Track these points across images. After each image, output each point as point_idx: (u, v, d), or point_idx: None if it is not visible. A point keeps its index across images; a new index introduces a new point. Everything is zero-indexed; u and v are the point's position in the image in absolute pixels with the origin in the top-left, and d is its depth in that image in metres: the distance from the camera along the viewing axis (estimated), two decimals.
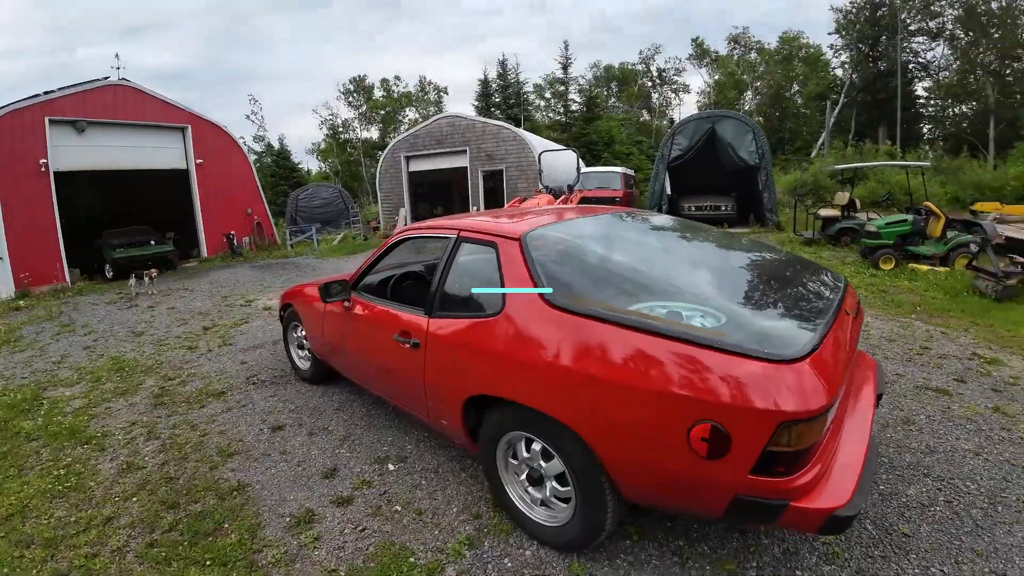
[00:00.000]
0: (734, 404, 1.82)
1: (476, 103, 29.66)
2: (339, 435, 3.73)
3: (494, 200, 17.72)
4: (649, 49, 48.66)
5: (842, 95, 35.65)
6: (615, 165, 21.48)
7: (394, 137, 46.65)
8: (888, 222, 9.77)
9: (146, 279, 9.63)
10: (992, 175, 21.91)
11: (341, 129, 43.65)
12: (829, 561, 2.37)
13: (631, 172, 19.87)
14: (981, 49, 32.65)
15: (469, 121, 16.77)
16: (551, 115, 38.02)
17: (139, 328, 7.03)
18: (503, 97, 28.40)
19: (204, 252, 13.84)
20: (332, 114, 47.45)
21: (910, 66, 35.83)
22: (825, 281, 2.80)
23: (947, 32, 34.38)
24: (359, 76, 43.95)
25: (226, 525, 2.79)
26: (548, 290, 2.37)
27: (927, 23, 35.14)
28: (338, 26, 79.45)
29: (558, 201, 11.81)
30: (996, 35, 31.78)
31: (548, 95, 40.60)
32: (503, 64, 30.09)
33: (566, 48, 34.51)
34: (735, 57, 41.72)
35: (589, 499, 2.30)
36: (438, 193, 20.09)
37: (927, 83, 36.46)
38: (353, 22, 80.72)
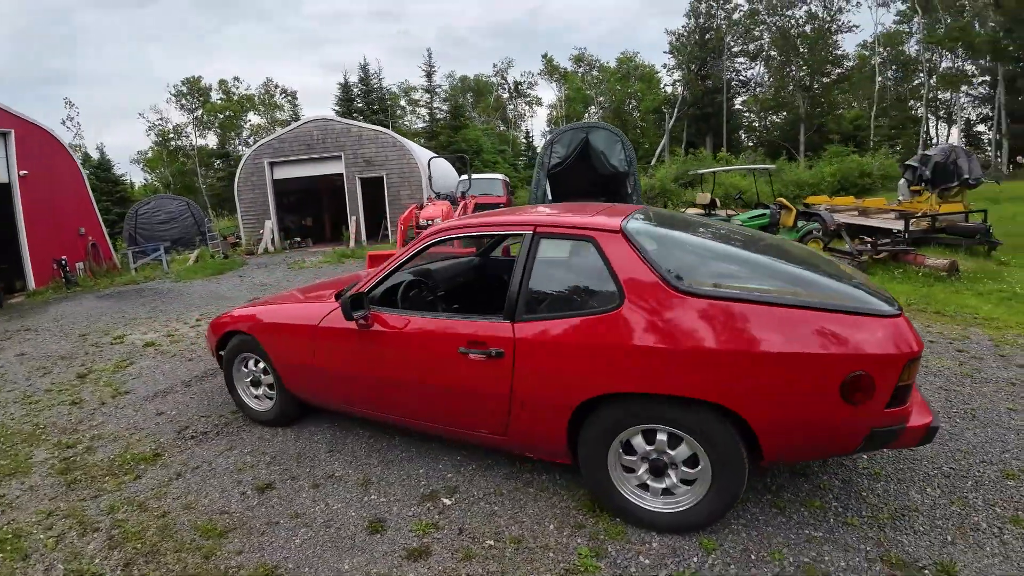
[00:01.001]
0: (876, 353, 2.15)
1: (337, 108, 27.98)
2: (355, 480, 3.17)
3: (374, 210, 16.80)
4: (503, 62, 49.99)
5: (675, 109, 39.59)
6: (484, 173, 21.65)
7: (237, 143, 43.21)
8: (750, 216, 11.17)
9: None
10: (810, 174, 25.67)
11: (172, 135, 38.77)
12: (874, 480, 2.94)
13: (507, 179, 20.20)
14: (792, 67, 38.31)
15: (344, 125, 15.69)
16: (413, 122, 37.42)
17: None
18: (366, 102, 27.14)
19: (32, 284, 11.15)
20: (162, 118, 42.09)
21: (732, 83, 40.87)
22: (833, 261, 3.09)
23: (764, 53, 39.78)
24: (193, 77, 39.42)
25: None
26: (671, 278, 2.41)
27: (747, 46, 40.41)
28: (167, 25, 71.08)
29: (459, 208, 11.51)
30: (805, 54, 37.40)
31: (403, 103, 39.95)
32: (365, 68, 28.85)
33: (429, 56, 34.02)
34: (579, 74, 44.33)
35: (728, 472, 2.41)
36: (308, 202, 18.52)
37: (744, 97, 41.94)
38: (184, 21, 72.69)
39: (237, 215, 16.92)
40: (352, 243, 15.39)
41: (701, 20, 40.34)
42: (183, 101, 39.47)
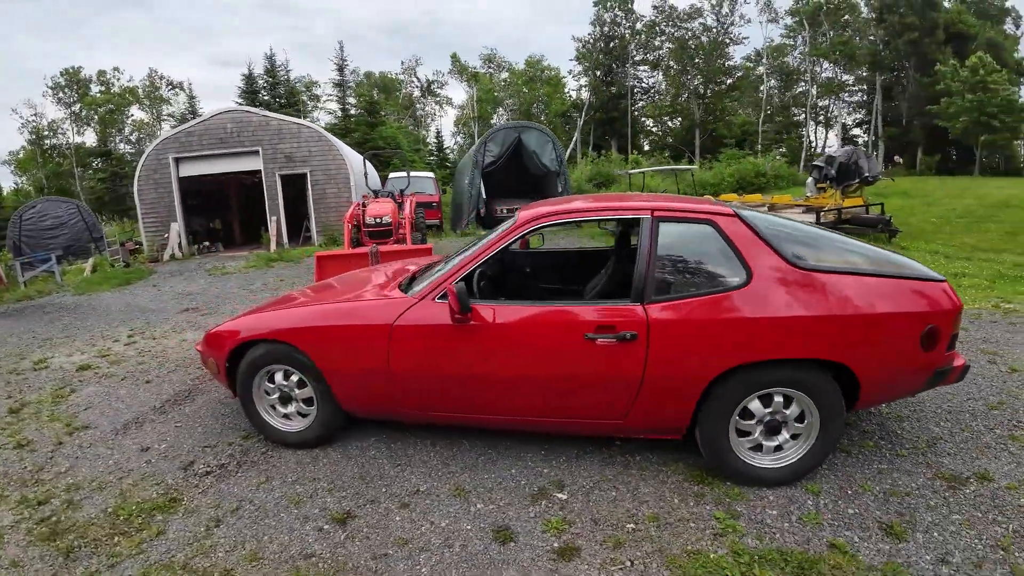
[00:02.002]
0: (941, 309, 2.71)
1: (240, 100, 25.63)
2: (447, 491, 2.91)
3: (296, 208, 15.59)
4: (411, 60, 48.77)
5: (583, 113, 40.66)
6: (403, 171, 20.91)
7: (118, 140, 38.54)
8: None
9: None
10: (711, 174, 27.35)
11: (47, 132, 33.99)
12: (900, 422, 3.55)
13: (434, 177, 19.69)
14: (688, 76, 40.63)
15: (262, 117, 14.37)
16: (321, 118, 35.36)
17: None
18: (272, 96, 25.21)
19: None
20: (36, 114, 36.61)
21: (635, 90, 42.66)
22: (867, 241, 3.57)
23: (663, 62, 41.89)
24: (73, 68, 34.81)
25: None
26: (788, 255, 2.73)
27: (648, 55, 42.33)
28: (35, 14, 62.29)
29: (408, 206, 10.88)
30: (700, 64, 39.72)
31: (305, 98, 37.59)
32: (271, 59, 26.77)
33: (341, 49, 32.13)
34: (488, 75, 44.29)
35: (833, 424, 2.77)
36: (216, 203, 16.79)
37: (643, 103, 43.91)
38: (55, 8, 64.01)
39: (137, 218, 14.98)
40: (273, 246, 14.13)
41: (606, 29, 41.81)
42: (60, 94, 34.70)
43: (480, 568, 2.35)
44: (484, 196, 16.81)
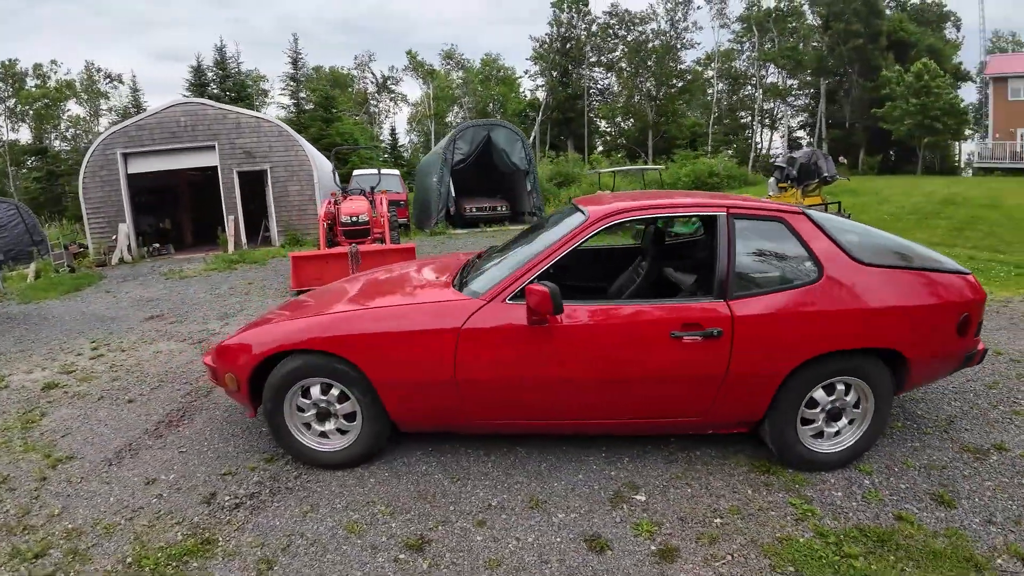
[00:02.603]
0: (972, 299, 2.99)
1: (187, 94, 24.04)
2: (522, 503, 2.79)
3: (253, 207, 14.75)
4: (364, 55, 47.36)
5: (540, 113, 40.63)
6: (363, 168, 20.27)
7: (52, 135, 35.64)
8: None
9: None
10: (667, 174, 27.86)
11: None
12: (916, 403, 3.51)
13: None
14: (641, 78, 41.18)
15: (218, 110, 13.50)
16: (273, 113, 33.73)
17: None
18: (222, 89, 23.86)
19: None
20: None
21: (591, 91, 42.96)
22: None
23: (618, 65, 42.35)
24: (9, 60, 32.09)
25: None
26: (854, 252, 2.90)
27: (603, 57, 42.69)
28: None
29: (381, 204, 10.43)
30: (653, 67, 40.32)
31: (250, 92, 35.76)
32: (221, 51, 25.29)
33: (295, 42, 30.83)
34: (445, 72, 43.65)
35: (885, 407, 2.98)
36: (165, 202, 15.70)
37: (599, 103, 44.27)
38: None
39: (82, 218, 13.80)
40: (231, 247, 13.31)
41: (562, 30, 41.91)
42: None
43: None
44: (453, 194, 16.43)
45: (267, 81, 30.16)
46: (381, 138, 40.09)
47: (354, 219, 9.82)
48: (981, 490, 2.82)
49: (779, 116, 45.31)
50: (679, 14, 41.32)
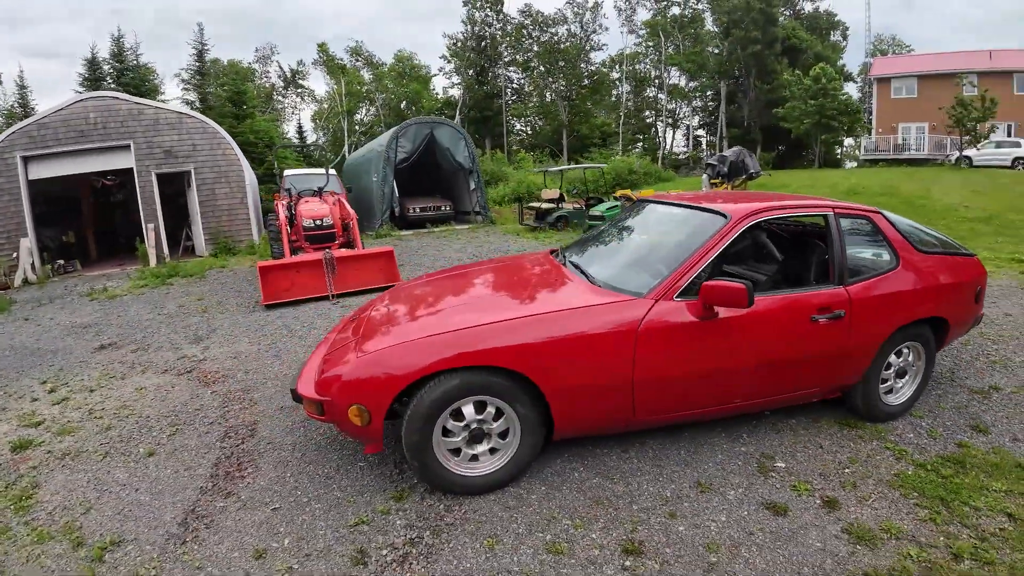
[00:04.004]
0: (982, 274, 3.91)
1: (79, 90, 20.80)
2: (688, 489, 2.95)
3: (173, 213, 13.18)
4: (266, 47, 44.11)
5: (457, 112, 39.96)
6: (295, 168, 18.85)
7: None
8: (607, 208, 12.45)
9: None
10: (590, 172, 28.50)
11: None
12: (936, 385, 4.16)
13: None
14: (553, 78, 41.68)
15: (133, 105, 11.82)
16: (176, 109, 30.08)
17: None
18: (119, 84, 21.02)
19: None
20: None
21: (507, 90, 42.88)
22: None
23: (532, 65, 42.58)
24: None
25: None
26: (916, 243, 3.60)
27: (518, 57, 42.73)
28: None
29: (338, 204, 9.56)
30: (565, 68, 40.92)
31: (150, 86, 31.90)
32: (119, 42, 22.18)
33: (201, 32, 27.65)
34: (355, 68, 41.69)
35: (930, 365, 3.69)
36: (68, 211, 13.56)
37: (513, 101, 44.30)
38: None
39: None
40: (153, 260, 11.74)
41: (477, 28, 41.48)
42: None
43: (792, 540, 2.55)
44: (397, 194, 15.63)
45: (157, 76, 27.16)
46: (288, 136, 37.71)
47: (318, 222, 8.94)
48: (998, 419, 3.63)
49: (681, 116, 47.76)
50: (588, 16, 42.36)
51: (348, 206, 9.63)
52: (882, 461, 3.17)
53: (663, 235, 3.74)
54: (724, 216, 3.23)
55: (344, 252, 8.30)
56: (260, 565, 2.35)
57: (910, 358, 3.59)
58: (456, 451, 2.84)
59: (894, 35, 55.66)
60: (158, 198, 12.24)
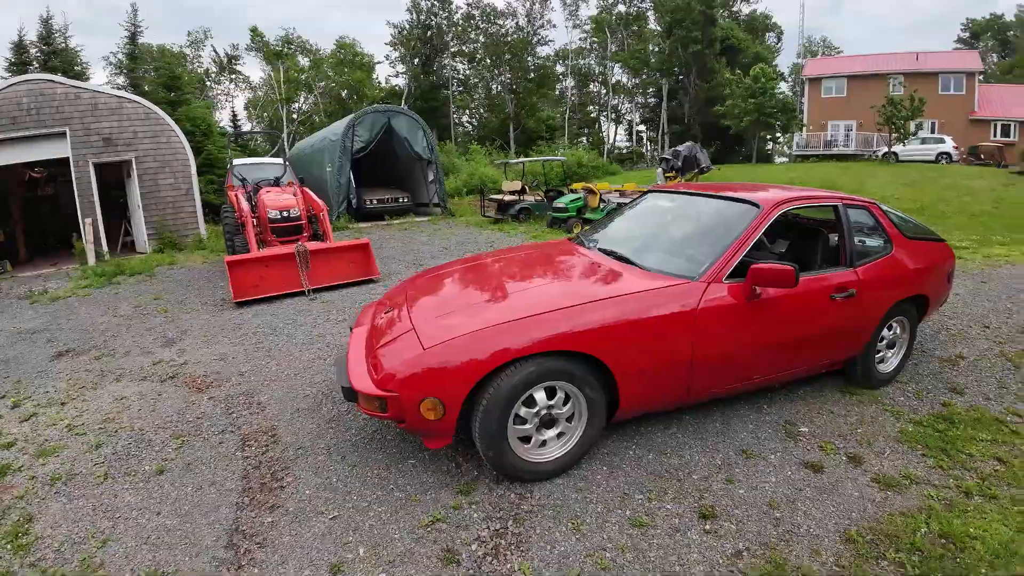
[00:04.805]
0: (952, 257, 4.47)
1: (5, 76, 18.63)
2: (735, 457, 3.21)
3: (108, 206, 12.19)
4: (198, 31, 41.33)
5: (403, 101, 39.01)
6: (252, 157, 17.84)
7: None
8: (571, 200, 12.49)
9: None
10: (539, 164, 28.67)
11: None
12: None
13: None
14: (499, 71, 41.37)
15: (69, 88, 10.75)
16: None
17: None
18: (48, 68, 19.07)
19: None
20: None
21: (453, 81, 42.24)
22: None
23: (479, 56, 42.12)
24: None
25: None
26: (905, 231, 4.07)
27: (464, 48, 42.12)
28: None
29: (300, 194, 9.04)
30: (511, 61, 40.70)
31: (80, 70, 29.24)
32: (47, 23, 20.09)
33: (135, 13, 25.48)
34: (293, 54, 39.83)
35: (913, 337, 4.17)
36: (0, 207, 12.20)
37: (459, 92, 43.75)
38: None
39: None
40: (92, 257, 10.78)
41: (423, 17, 40.56)
42: None
43: (835, 491, 2.87)
44: (353, 184, 15.08)
45: (84, 61, 24.94)
46: (221, 124, 35.71)
47: (285, 214, 8.46)
48: (970, 382, 4.16)
49: (623, 112, 48.61)
50: (536, 9, 42.34)
51: (315, 197, 9.14)
52: (885, 421, 3.59)
53: (697, 223, 3.91)
54: (757, 206, 3.47)
55: (318, 245, 7.89)
56: None
57: (898, 331, 4.05)
58: (526, 438, 2.84)
59: (825, 37, 58.63)
60: (96, 190, 11.26)
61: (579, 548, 2.42)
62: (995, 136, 29.58)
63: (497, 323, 2.74)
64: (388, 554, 2.32)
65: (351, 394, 2.79)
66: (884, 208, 4.07)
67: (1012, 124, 29.70)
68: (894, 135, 25.61)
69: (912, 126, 25.71)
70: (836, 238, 3.89)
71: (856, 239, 3.82)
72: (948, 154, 25.66)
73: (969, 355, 4.65)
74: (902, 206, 15.78)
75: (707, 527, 2.58)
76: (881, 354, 3.99)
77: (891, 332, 3.99)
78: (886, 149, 26.86)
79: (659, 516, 2.66)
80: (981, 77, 32.36)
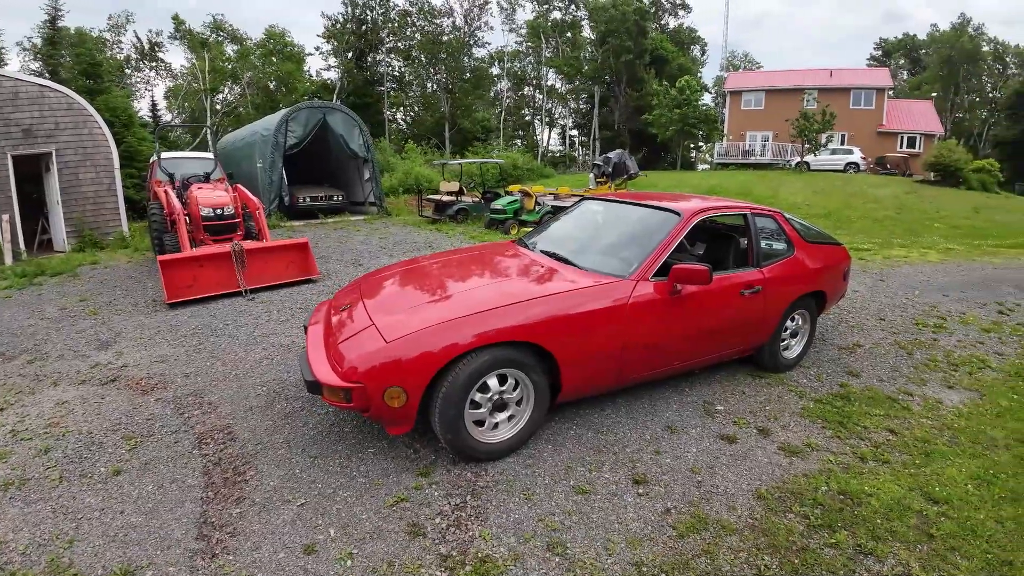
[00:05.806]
0: (848, 258, 5.18)
1: None
2: (661, 432, 3.69)
3: (24, 198, 11.49)
4: (120, 15, 38.56)
5: (335, 96, 38.20)
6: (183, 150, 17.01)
7: None
8: (508, 202, 12.94)
9: None
10: (475, 167, 28.95)
11: None
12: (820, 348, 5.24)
13: None
14: (434, 70, 41.22)
15: None
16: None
17: None
18: None
19: None
20: None
21: (388, 78, 41.67)
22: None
23: (414, 54, 41.70)
24: None
25: None
26: (805, 236, 4.69)
27: (400, 44, 41.59)
28: None
29: (235, 192, 8.94)
30: (447, 60, 40.61)
31: None
32: None
33: None
34: (219, 42, 38.12)
35: (814, 328, 4.84)
36: None
37: (394, 90, 43.27)
38: None
39: None
40: (9, 258, 10.13)
41: (358, 11, 39.87)
42: None
43: (747, 458, 3.36)
44: (286, 181, 14.84)
45: (52, 44, 22.84)
46: (141, 114, 33.77)
47: (218, 212, 8.31)
48: (865, 366, 4.84)
49: (557, 116, 49.71)
50: (474, 11, 42.52)
51: (249, 194, 9.03)
52: (790, 400, 4.17)
53: (627, 228, 4.36)
54: (678, 214, 3.97)
55: (255, 244, 7.83)
56: (316, 559, 2.39)
57: (800, 322, 4.68)
58: (480, 422, 3.13)
59: (747, 52, 61.99)
60: (14, 185, 10.59)
61: (531, 514, 2.78)
62: (901, 147, 32.55)
63: (455, 317, 3.01)
64: (358, 532, 2.57)
65: (315, 387, 2.97)
66: (787, 216, 4.68)
67: (917, 136, 32.79)
68: (806, 146, 27.72)
69: (823, 138, 27.88)
70: (745, 242, 4.39)
71: (763, 243, 4.36)
72: (856, 164, 28.14)
73: (866, 343, 5.35)
74: (812, 212, 17.18)
75: (640, 491, 2.99)
76: (786, 342, 4.61)
77: (794, 323, 4.59)
78: (799, 159, 29.01)
79: (599, 484, 3.05)
80: (891, 93, 35.32)
